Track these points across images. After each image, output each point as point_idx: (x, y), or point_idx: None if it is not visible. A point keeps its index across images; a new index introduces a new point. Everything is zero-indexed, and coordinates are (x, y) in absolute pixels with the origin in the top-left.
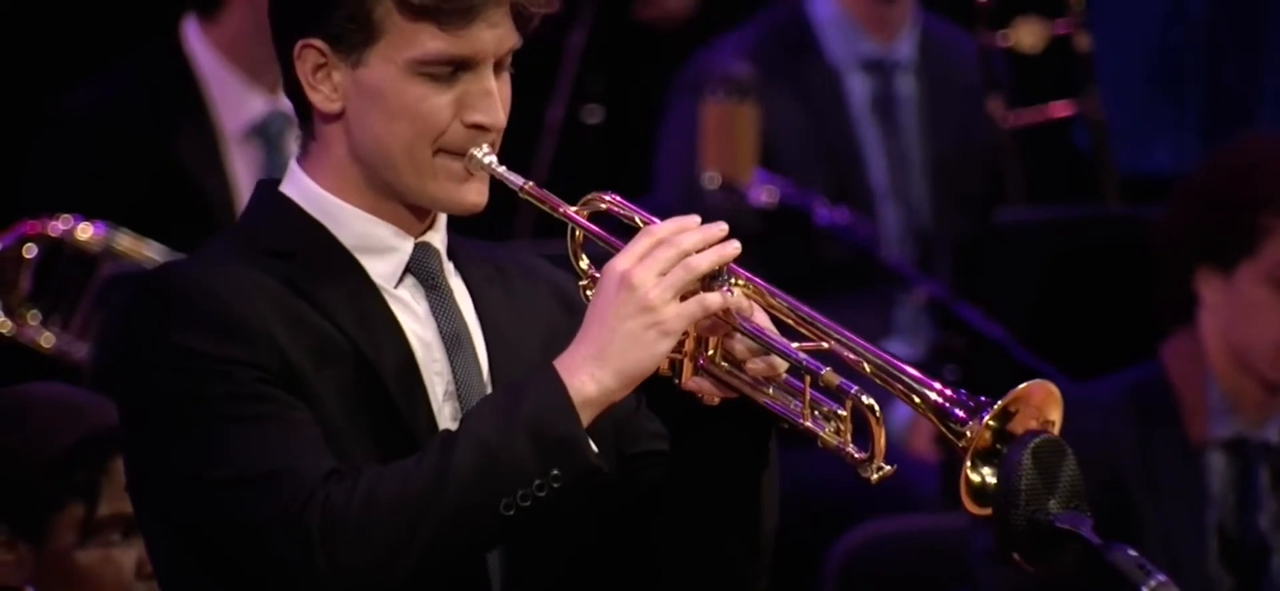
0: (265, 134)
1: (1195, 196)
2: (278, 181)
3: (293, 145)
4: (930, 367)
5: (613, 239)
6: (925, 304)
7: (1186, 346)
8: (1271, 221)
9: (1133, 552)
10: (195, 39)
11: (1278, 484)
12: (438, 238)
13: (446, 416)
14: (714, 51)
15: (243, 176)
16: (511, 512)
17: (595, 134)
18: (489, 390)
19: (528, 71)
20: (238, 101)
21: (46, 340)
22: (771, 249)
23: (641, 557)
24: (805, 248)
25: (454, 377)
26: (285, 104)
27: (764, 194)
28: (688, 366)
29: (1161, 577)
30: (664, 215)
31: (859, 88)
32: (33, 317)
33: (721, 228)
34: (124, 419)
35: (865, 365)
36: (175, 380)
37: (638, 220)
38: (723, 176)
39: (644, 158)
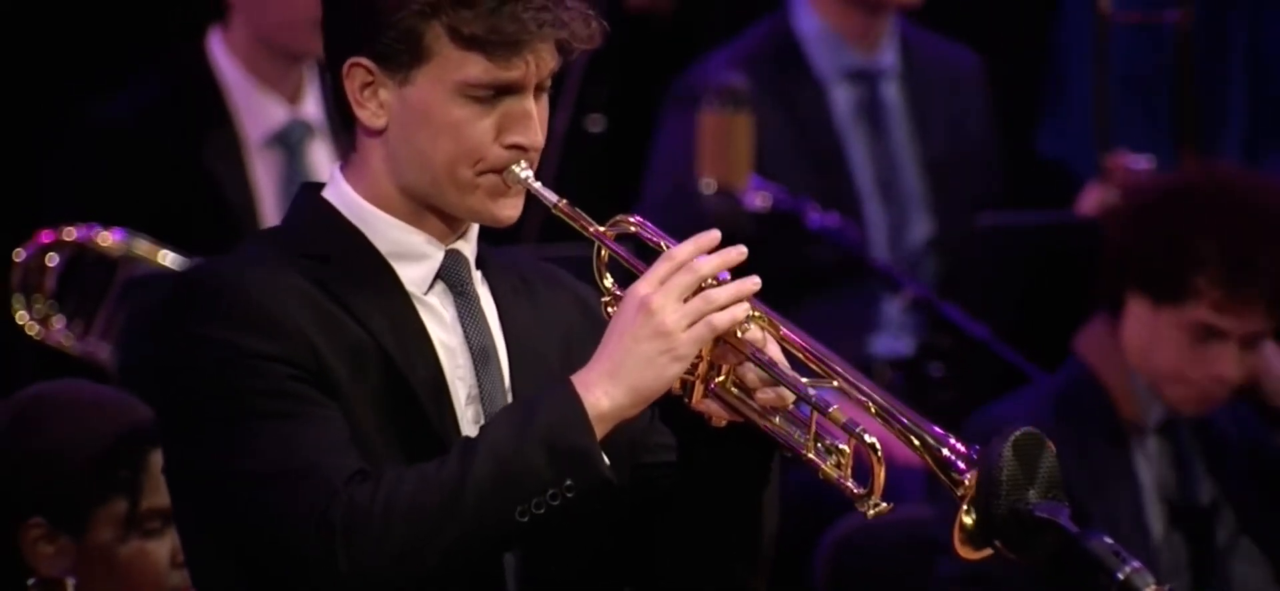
0: (286, 142)
1: (1142, 226)
2: (321, 185)
3: (313, 152)
4: (917, 365)
5: (635, 261)
6: (911, 303)
7: (1104, 337)
8: (1201, 283)
9: (1108, 540)
10: (218, 49)
11: (1212, 456)
12: (468, 247)
13: (469, 420)
14: (706, 65)
15: (264, 183)
16: (526, 520)
17: (598, 142)
18: (509, 398)
19: None
20: (259, 110)
21: (71, 342)
22: (765, 251)
23: (647, 561)
24: (797, 249)
25: (478, 384)
26: (305, 113)
27: (758, 199)
28: (699, 388)
29: (1136, 564)
30: (656, 219)
31: (844, 97)
32: (57, 320)
33: (740, 251)
34: (159, 412)
35: (870, 406)
36: (208, 373)
37: (662, 244)
38: (719, 182)
39: (645, 165)
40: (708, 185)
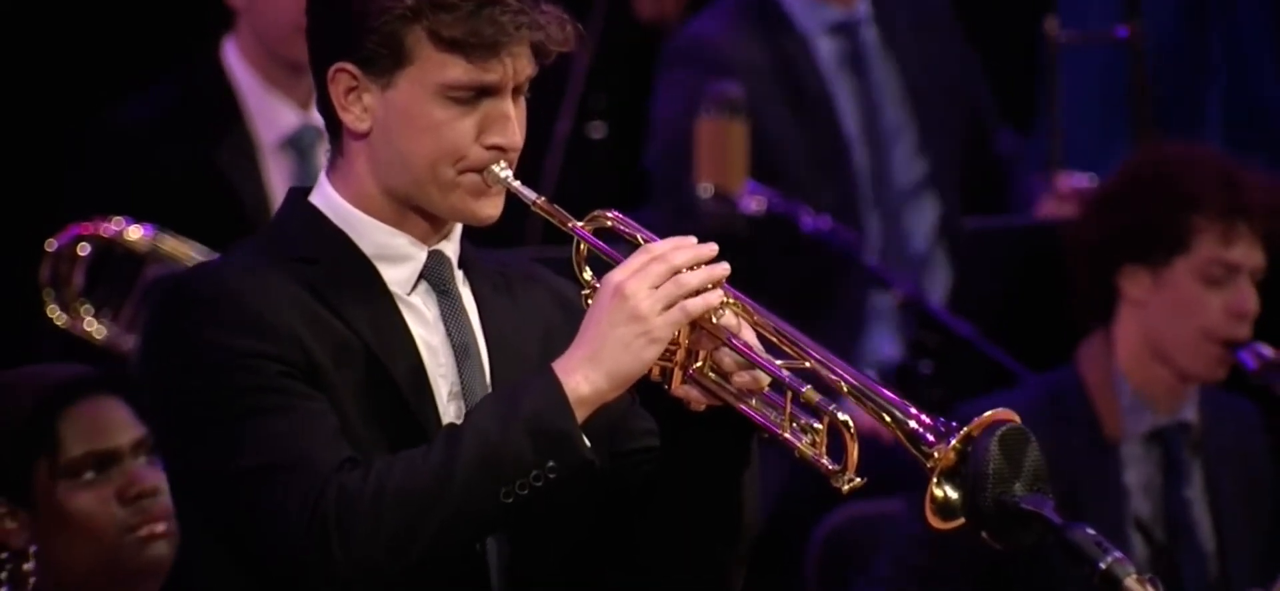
0: (298, 145)
1: (1121, 200)
2: (308, 190)
3: (322, 156)
4: (907, 361)
5: (614, 253)
6: (902, 303)
7: (1099, 348)
8: (1201, 221)
9: (1091, 531)
10: (232, 56)
11: (1198, 457)
12: (450, 247)
13: (450, 415)
14: (693, 23)
15: (277, 184)
16: (510, 501)
17: (599, 148)
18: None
19: (535, 88)
20: (272, 115)
21: (98, 332)
22: (761, 253)
23: (630, 546)
24: (792, 251)
25: (460, 381)
26: (316, 118)
27: (753, 203)
28: (678, 375)
29: (1117, 554)
30: (659, 219)
31: (827, 49)
32: (86, 311)
33: (712, 247)
34: (159, 414)
35: (843, 385)
36: (201, 375)
37: (639, 237)
38: (715, 187)
39: (645, 170)
40: (705, 189)
